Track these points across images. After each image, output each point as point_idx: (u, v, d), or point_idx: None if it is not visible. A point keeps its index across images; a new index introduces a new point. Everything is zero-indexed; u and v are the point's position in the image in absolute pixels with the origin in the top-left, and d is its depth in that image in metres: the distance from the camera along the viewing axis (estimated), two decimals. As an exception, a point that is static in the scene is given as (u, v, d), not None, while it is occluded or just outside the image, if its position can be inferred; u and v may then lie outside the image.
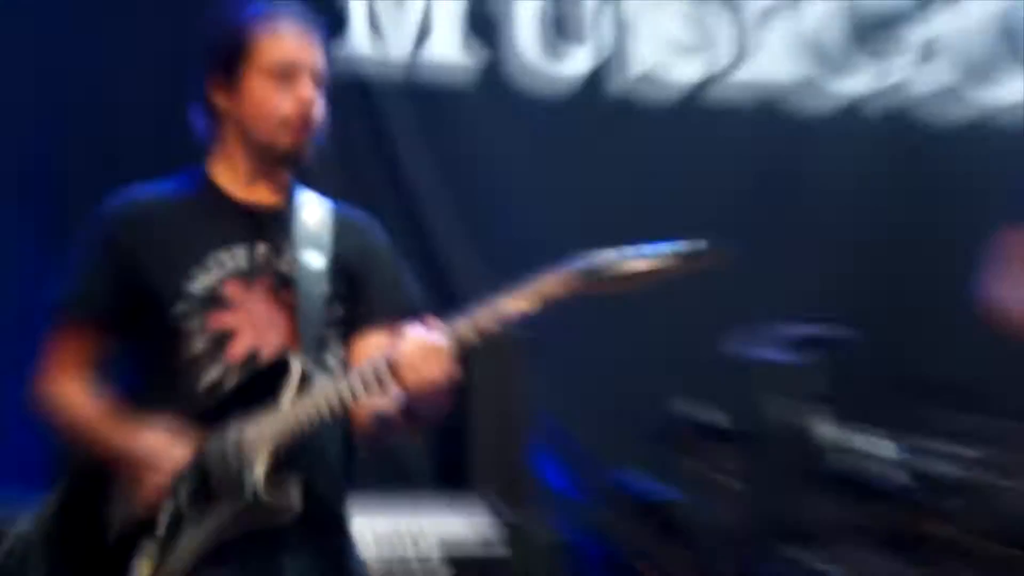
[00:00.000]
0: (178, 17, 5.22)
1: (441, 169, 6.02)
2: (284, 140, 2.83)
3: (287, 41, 2.85)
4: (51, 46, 5.33)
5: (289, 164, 2.89)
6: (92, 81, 5.38)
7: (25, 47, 5.32)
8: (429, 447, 5.11)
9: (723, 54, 6.50)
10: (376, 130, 5.93)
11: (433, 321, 2.65)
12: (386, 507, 4.49)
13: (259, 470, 2.58)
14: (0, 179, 5.24)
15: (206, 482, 2.61)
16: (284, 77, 2.82)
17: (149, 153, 4.81)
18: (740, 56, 6.52)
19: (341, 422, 2.75)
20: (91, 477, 2.71)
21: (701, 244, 2.61)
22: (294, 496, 2.61)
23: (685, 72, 6.46)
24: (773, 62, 6.56)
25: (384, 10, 6.01)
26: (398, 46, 6.03)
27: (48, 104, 5.35)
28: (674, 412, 5.31)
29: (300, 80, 2.83)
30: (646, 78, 6.41)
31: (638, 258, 2.62)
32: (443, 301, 5.46)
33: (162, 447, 2.63)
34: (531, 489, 4.84)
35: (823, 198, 6.48)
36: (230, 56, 2.84)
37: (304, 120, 2.83)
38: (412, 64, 6.04)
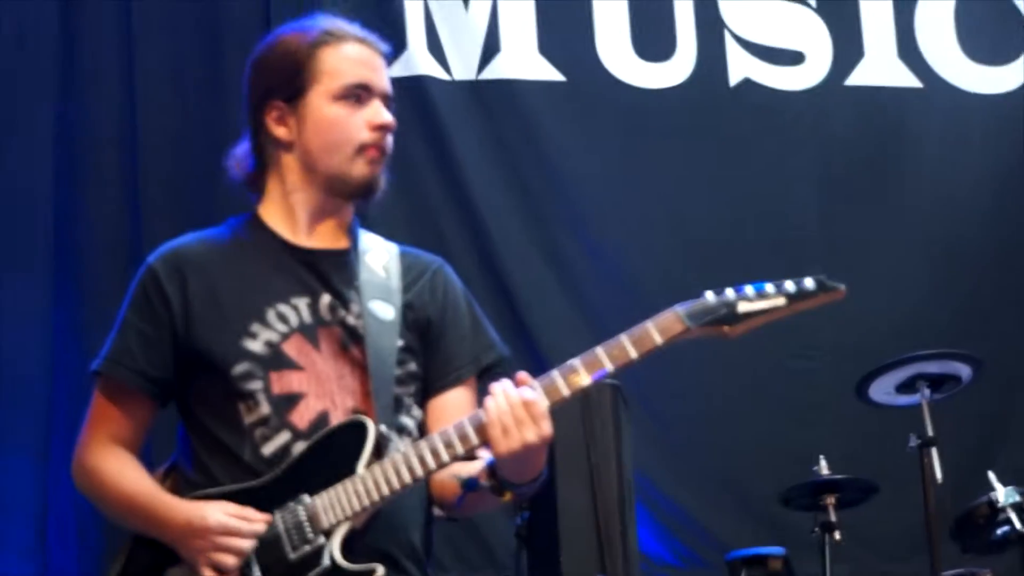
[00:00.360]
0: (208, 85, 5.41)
1: (514, 193, 5.84)
2: (360, 170, 2.62)
3: (358, 60, 2.64)
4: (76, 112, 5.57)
5: (362, 197, 2.67)
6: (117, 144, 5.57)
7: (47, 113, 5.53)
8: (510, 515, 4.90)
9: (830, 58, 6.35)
10: (441, 153, 5.76)
11: (524, 376, 2.44)
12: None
13: (337, 540, 2.45)
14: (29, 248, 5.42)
15: (281, 555, 2.46)
16: (355, 100, 2.61)
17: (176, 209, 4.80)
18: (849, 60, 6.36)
19: (420, 488, 2.60)
20: (149, 554, 2.57)
21: (812, 283, 2.42)
22: (374, 563, 2.47)
23: (781, 79, 6.31)
24: (884, 65, 6.39)
25: (445, 26, 5.83)
26: (463, 64, 5.84)
27: (70, 170, 5.52)
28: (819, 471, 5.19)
29: (371, 103, 2.62)
30: (741, 88, 6.23)
31: (746, 300, 2.42)
32: (523, 347, 5.49)
33: (234, 521, 2.48)
34: (622, 554, 4.61)
35: (936, 206, 6.31)
36: (293, 78, 2.62)
37: (381, 148, 2.63)
38: (478, 82, 5.86)
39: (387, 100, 2.65)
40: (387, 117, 2.62)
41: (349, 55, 2.63)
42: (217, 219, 2.76)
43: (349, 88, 2.61)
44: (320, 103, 2.61)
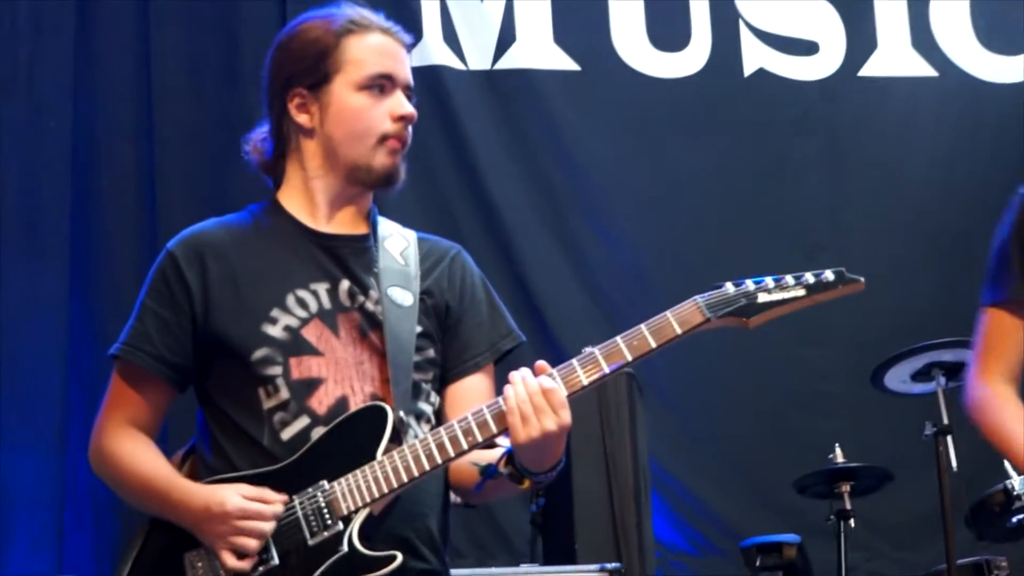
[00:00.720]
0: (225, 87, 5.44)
1: (528, 181, 5.84)
2: (381, 161, 2.63)
3: (382, 50, 2.65)
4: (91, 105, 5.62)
5: (382, 186, 2.68)
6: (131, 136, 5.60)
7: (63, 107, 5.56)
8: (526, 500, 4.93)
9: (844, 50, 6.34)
10: (456, 143, 5.76)
11: (543, 365, 2.45)
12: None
13: (355, 526, 2.44)
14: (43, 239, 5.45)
15: (299, 540, 2.46)
16: (378, 91, 2.63)
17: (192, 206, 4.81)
18: (863, 50, 6.35)
19: (438, 475, 2.60)
20: (166, 537, 2.56)
21: (831, 275, 2.45)
22: (392, 550, 2.46)
23: (794, 69, 6.30)
24: (898, 55, 6.37)
25: (461, 16, 5.83)
26: (479, 54, 5.85)
27: (87, 161, 5.56)
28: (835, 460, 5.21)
29: (394, 94, 2.64)
30: (755, 78, 6.21)
31: (766, 291, 2.44)
32: (537, 334, 5.49)
33: (253, 504, 2.47)
34: (637, 542, 4.61)
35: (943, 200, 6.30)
36: (318, 66, 2.63)
37: (402, 139, 2.64)
38: (493, 72, 5.86)
39: (409, 91, 2.66)
40: (409, 108, 2.64)
41: (374, 45, 2.64)
42: (232, 211, 2.75)
43: (373, 78, 2.62)
44: (344, 92, 2.62)
